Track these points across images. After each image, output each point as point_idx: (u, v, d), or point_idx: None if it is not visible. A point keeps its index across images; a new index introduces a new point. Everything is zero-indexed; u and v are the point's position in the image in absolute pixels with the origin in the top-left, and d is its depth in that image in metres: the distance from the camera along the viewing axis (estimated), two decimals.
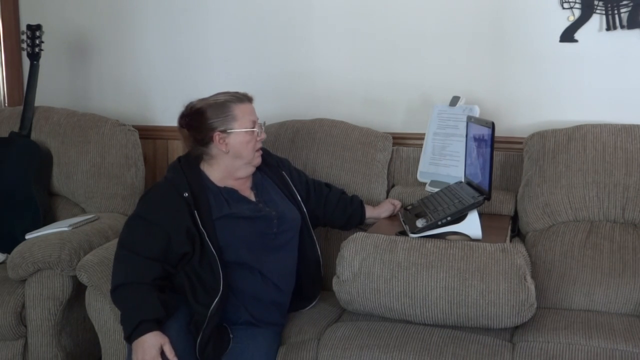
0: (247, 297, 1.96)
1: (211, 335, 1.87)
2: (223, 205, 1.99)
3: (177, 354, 1.82)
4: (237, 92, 2.06)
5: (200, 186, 2.00)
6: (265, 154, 2.16)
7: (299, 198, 2.16)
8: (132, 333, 1.83)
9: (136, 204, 2.07)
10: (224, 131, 1.99)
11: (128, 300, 1.88)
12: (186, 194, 1.95)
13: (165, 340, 1.82)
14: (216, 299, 1.88)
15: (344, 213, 2.27)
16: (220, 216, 1.97)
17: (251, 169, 2.08)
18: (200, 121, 2.00)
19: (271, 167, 2.17)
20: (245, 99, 2.05)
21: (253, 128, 2.03)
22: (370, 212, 2.31)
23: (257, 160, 2.08)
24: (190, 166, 2.05)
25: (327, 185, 2.34)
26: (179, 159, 2.09)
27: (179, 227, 1.92)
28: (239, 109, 2.01)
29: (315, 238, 2.17)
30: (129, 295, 1.88)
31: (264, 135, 2.08)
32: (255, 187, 2.10)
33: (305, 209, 2.16)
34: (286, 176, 2.18)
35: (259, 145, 2.07)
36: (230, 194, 2.03)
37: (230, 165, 2.03)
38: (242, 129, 2.00)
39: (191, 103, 2.06)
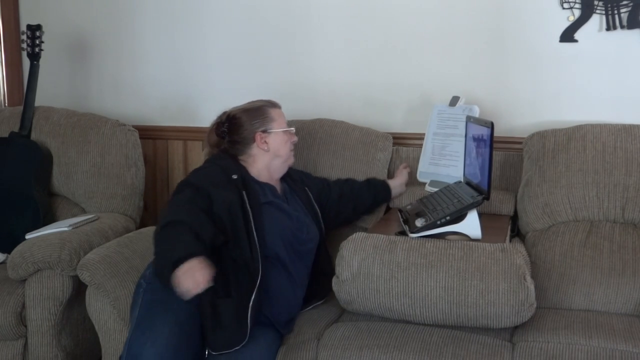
0: (268, 294, 1.96)
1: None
2: (267, 194, 2.08)
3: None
4: (269, 100, 2.22)
5: (246, 174, 2.08)
6: (290, 169, 2.24)
7: (320, 216, 2.23)
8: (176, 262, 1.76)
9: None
10: (264, 131, 2.13)
11: (167, 239, 1.84)
12: (235, 176, 2.03)
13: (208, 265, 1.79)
14: (254, 291, 1.89)
15: (368, 191, 2.36)
16: (267, 201, 2.05)
17: (286, 168, 2.20)
18: (240, 125, 2.13)
19: (296, 182, 2.24)
20: (277, 105, 2.21)
21: (289, 128, 2.19)
22: (392, 183, 2.42)
23: (292, 160, 2.22)
24: (232, 158, 2.13)
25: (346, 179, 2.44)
26: (219, 152, 2.16)
27: (223, 197, 1.95)
28: (274, 112, 2.18)
29: (330, 254, 2.21)
30: (170, 233, 1.84)
31: (295, 138, 2.22)
32: (284, 194, 2.17)
33: (324, 227, 2.23)
34: (309, 192, 2.25)
35: (292, 146, 2.20)
36: (271, 189, 2.12)
37: (268, 164, 2.14)
38: (280, 129, 2.15)
39: (225, 112, 2.20)
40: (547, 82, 2.52)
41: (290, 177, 2.24)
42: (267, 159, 2.13)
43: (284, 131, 2.16)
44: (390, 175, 2.54)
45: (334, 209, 2.30)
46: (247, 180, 2.05)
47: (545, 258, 2.19)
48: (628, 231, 2.18)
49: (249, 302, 1.88)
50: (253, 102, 2.21)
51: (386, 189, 2.41)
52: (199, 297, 1.90)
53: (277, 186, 2.17)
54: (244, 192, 1.99)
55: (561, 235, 2.22)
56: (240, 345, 1.85)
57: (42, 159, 2.69)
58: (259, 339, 1.91)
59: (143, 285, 1.97)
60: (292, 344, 1.94)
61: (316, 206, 2.23)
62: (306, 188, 2.25)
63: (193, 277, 1.74)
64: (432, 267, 1.84)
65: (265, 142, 2.12)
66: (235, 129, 2.14)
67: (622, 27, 2.41)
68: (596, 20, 2.44)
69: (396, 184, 2.43)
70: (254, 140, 2.12)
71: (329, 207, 2.29)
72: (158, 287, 1.94)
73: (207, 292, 1.79)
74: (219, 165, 2.07)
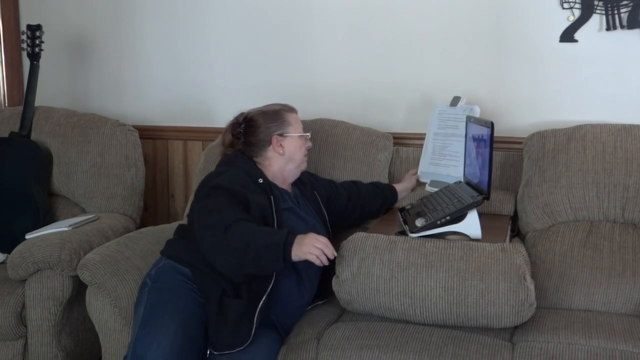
0: (276, 298, 1.96)
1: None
2: (287, 200, 2.08)
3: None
4: (285, 104, 2.21)
5: (267, 179, 2.08)
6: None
7: (327, 221, 2.22)
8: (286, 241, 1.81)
9: (195, 189, 2.11)
10: (281, 135, 2.13)
11: (250, 231, 1.86)
12: (261, 180, 2.04)
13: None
14: (265, 295, 1.89)
15: (375, 196, 2.36)
16: (287, 207, 2.06)
17: (298, 174, 2.19)
18: (256, 127, 2.13)
19: (306, 186, 2.24)
20: (294, 109, 2.21)
21: (306, 133, 2.19)
22: (399, 187, 2.42)
23: (305, 165, 2.21)
24: (250, 160, 2.13)
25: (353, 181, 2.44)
26: (235, 152, 2.15)
27: (257, 201, 1.96)
28: (291, 117, 2.17)
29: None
30: (245, 229, 1.86)
31: (310, 144, 2.21)
32: (296, 199, 2.18)
33: (330, 231, 2.23)
34: (318, 197, 2.24)
35: (306, 151, 2.19)
36: (287, 194, 2.12)
37: (283, 167, 2.14)
38: (297, 134, 2.15)
39: (243, 113, 2.19)
40: (548, 82, 2.52)
41: (300, 180, 2.23)
42: (282, 162, 2.13)
43: (299, 136, 2.16)
44: (392, 176, 2.54)
45: (343, 212, 2.30)
46: (271, 185, 2.05)
47: (545, 258, 2.19)
48: (628, 231, 2.18)
49: (258, 305, 1.88)
50: (270, 105, 2.20)
51: (393, 192, 2.40)
52: (205, 297, 1.91)
53: (290, 190, 2.18)
54: (271, 197, 2.00)
55: (561, 235, 2.22)
56: (243, 347, 1.86)
57: (42, 159, 2.69)
58: (261, 340, 1.92)
59: (148, 284, 1.97)
60: (292, 344, 1.94)
61: (324, 211, 2.23)
62: (315, 192, 2.25)
63: (313, 244, 1.81)
64: (432, 267, 1.84)
65: (281, 145, 2.12)
66: (252, 130, 2.13)
67: (622, 27, 2.41)
68: (596, 20, 2.44)
69: (402, 188, 2.43)
70: (270, 143, 2.11)
71: (337, 210, 2.29)
72: (163, 287, 1.95)
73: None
74: (241, 169, 2.06)
